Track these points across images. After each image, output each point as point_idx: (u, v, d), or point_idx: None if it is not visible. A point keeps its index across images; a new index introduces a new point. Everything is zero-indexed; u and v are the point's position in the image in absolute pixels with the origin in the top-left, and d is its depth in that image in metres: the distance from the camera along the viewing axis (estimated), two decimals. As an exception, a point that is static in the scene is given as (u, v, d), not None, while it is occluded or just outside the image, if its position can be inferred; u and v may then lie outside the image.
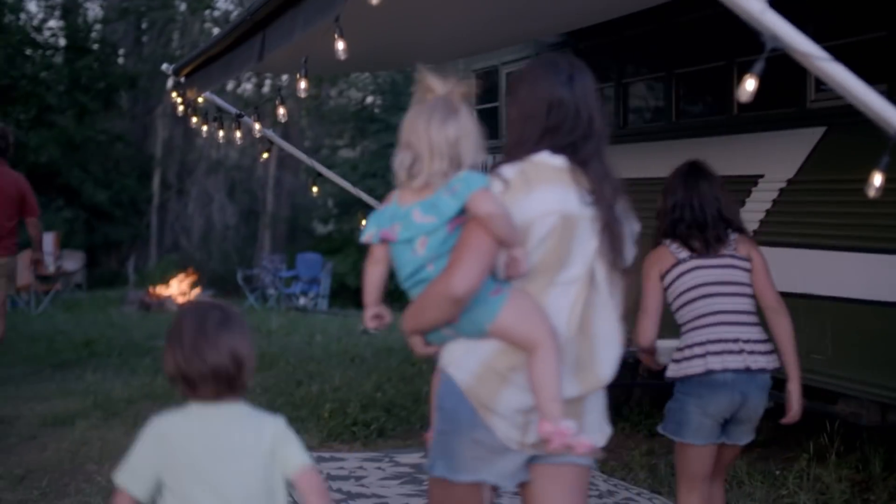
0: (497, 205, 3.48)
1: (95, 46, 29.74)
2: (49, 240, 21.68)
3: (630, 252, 3.80)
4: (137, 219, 30.42)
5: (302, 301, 24.48)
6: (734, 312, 5.19)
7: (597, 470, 8.28)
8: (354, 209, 28.63)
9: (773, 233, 7.71)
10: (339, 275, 27.99)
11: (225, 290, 27.41)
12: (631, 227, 3.82)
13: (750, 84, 3.70)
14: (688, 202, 5.38)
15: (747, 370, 5.09)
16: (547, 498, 3.78)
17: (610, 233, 3.69)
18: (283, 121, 7.31)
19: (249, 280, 26.38)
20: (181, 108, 9.63)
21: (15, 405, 10.39)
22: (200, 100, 9.67)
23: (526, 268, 3.58)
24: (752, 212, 7.86)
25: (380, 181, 27.84)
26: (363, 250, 4.03)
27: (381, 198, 12.26)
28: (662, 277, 5.32)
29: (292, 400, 10.60)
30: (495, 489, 3.72)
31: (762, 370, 5.13)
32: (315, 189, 10.80)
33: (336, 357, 13.77)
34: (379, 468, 8.35)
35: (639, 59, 9.47)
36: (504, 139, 11.44)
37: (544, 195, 3.62)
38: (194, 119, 9.70)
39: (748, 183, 7.90)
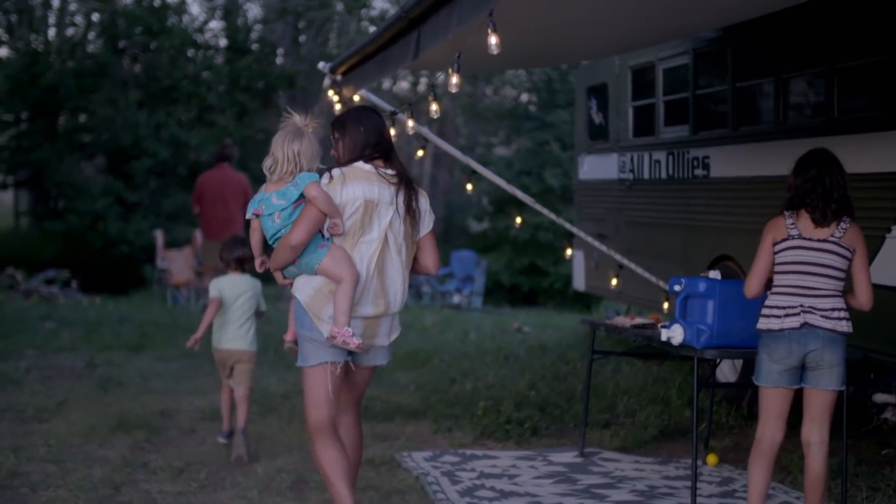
0: (319, 192, 5.83)
1: (255, 46, 30.19)
2: (209, 236, 22.09)
3: (425, 227, 6.18)
4: (295, 216, 30.84)
5: (456, 299, 24.56)
6: (813, 289, 6.14)
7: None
8: (509, 207, 28.58)
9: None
10: (493, 273, 27.99)
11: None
12: (424, 210, 6.17)
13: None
14: (821, 177, 6.22)
15: (804, 325, 6.10)
16: (358, 375, 6.23)
17: (401, 213, 6.02)
18: (435, 117, 7.39)
19: (404, 277, 26.53)
20: (338, 106, 9.70)
21: (175, 398, 10.59)
22: (357, 98, 9.72)
23: (342, 230, 5.91)
24: (919, 209, 7.63)
25: (535, 179, 27.75)
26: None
27: (535, 195, 12.14)
28: (775, 244, 6.26)
29: (446, 397, 10.62)
30: (335, 365, 5.97)
31: (822, 328, 6.08)
32: (470, 186, 10.80)
33: (490, 355, 13.75)
34: (532, 467, 8.31)
35: (798, 53, 9.25)
36: (653, 134, 11.29)
37: (354, 187, 5.94)
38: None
39: (914, 179, 7.67)
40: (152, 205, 26.77)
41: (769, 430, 6.28)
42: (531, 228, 26.82)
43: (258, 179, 6.58)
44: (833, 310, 6.11)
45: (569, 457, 8.63)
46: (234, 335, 8.46)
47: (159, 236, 22.80)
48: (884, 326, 7.86)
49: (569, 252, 11.46)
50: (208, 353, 13.48)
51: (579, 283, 14.02)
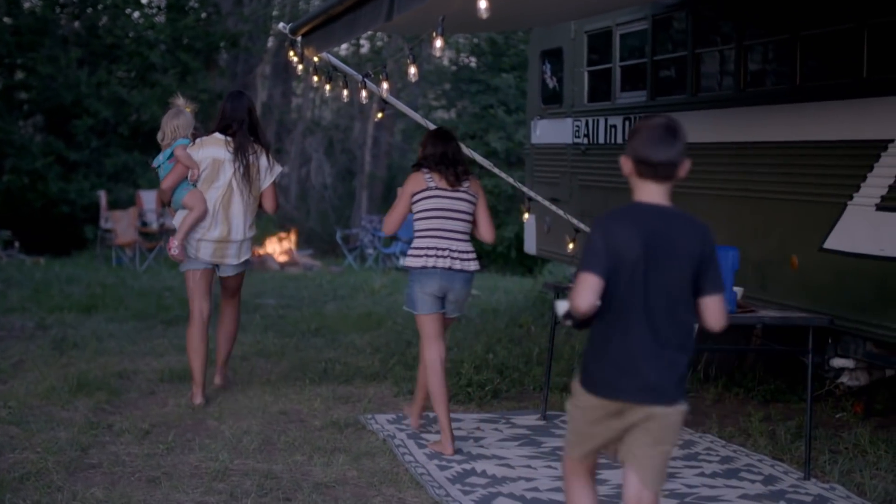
0: (182, 153, 8.68)
1: (197, 6, 29.85)
2: (152, 197, 21.93)
3: (266, 180, 8.92)
4: (237, 177, 30.59)
5: (401, 261, 24.54)
6: (452, 231, 7.73)
7: (715, 436, 8.24)
8: (453, 170, 28.54)
9: (903, 199, 7.57)
10: (437, 235, 27.93)
11: (323, 250, 27.54)
12: (265, 167, 8.90)
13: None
14: (445, 151, 7.82)
15: (450, 269, 7.65)
16: (225, 283, 9.19)
17: (240, 168, 8.74)
18: (414, 80, 7.46)
19: (348, 239, 26.51)
20: (300, 67, 9.61)
21: (132, 359, 10.55)
22: (316, 59, 9.63)
23: (197, 178, 8.70)
24: (880, 177, 7.70)
25: (479, 142, 27.71)
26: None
27: (483, 157, 11.95)
28: (414, 195, 7.77)
29: (404, 360, 10.65)
30: (196, 271, 8.95)
31: (461, 270, 7.71)
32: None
33: (442, 318, 13.78)
34: (496, 429, 8.37)
35: (760, 20, 9.30)
36: (614, 99, 11.28)
37: (206, 150, 8.76)
38: (315, 79, 9.68)
39: (877, 148, 7.72)
40: (94, 164, 26.45)
41: (435, 349, 7.81)
42: (475, 192, 26.67)
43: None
44: (466, 252, 7.75)
45: (531, 419, 8.71)
46: None
47: (102, 196, 22.61)
48: (845, 292, 7.97)
49: (526, 216, 11.46)
50: (159, 314, 13.53)
51: (530, 246, 14.06)
